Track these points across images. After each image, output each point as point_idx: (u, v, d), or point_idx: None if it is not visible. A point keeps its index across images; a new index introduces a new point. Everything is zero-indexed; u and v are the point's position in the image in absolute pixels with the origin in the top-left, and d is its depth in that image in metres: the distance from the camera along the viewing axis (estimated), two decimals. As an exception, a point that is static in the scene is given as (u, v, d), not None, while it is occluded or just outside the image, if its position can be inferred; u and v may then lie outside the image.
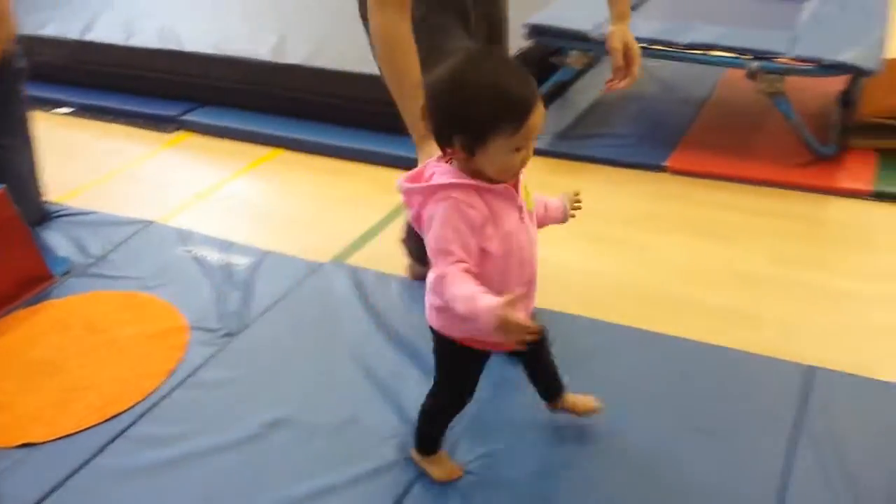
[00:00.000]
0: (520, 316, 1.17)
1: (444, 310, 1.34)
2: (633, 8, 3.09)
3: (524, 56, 3.25)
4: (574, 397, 1.73)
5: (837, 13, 2.96)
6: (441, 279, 1.24)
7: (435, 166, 1.30)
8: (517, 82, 1.20)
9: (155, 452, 1.79)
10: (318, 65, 3.27)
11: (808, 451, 1.66)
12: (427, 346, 1.99)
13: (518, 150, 1.22)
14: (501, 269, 1.30)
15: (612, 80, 1.78)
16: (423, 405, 1.61)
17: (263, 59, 3.36)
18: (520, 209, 1.31)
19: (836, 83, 3.03)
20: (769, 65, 2.65)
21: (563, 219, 1.51)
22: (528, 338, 1.19)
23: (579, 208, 1.53)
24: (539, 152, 3.07)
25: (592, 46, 2.91)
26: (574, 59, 2.98)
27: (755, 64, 2.64)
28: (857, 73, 2.65)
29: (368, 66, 3.18)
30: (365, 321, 2.17)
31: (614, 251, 2.48)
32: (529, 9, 3.14)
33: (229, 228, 2.70)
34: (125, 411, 1.91)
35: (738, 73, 2.91)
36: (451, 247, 1.24)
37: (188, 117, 3.51)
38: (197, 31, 3.67)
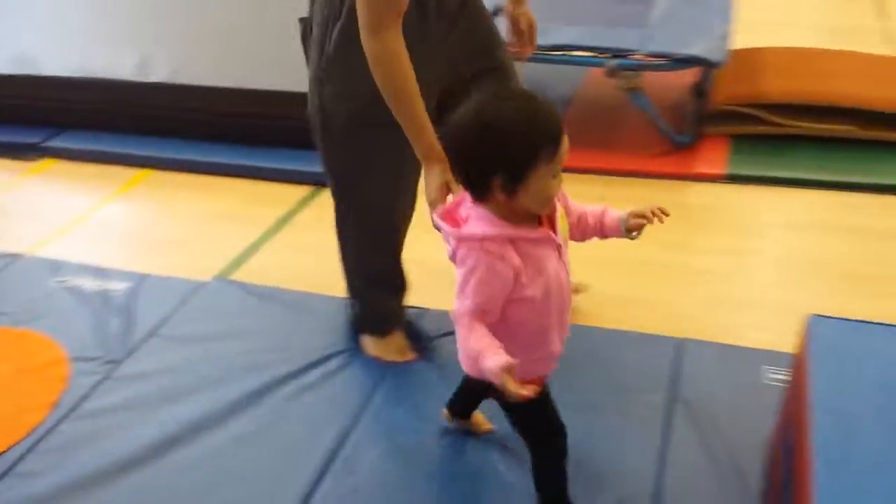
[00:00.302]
0: (513, 385, 1.16)
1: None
2: (495, 14, 3.19)
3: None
4: (477, 416, 1.75)
5: (687, 10, 3.16)
6: (459, 318, 1.25)
7: (471, 206, 1.27)
8: (544, 109, 1.18)
9: (46, 485, 1.72)
10: (182, 81, 3.22)
11: (683, 415, 1.78)
12: (317, 358, 2.03)
13: (554, 175, 1.20)
14: (541, 310, 1.29)
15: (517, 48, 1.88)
16: (533, 468, 1.50)
17: (126, 78, 3.27)
18: (558, 248, 1.29)
19: (690, 76, 3.23)
20: (626, 62, 2.80)
21: (620, 235, 1.40)
22: (520, 397, 1.18)
23: (652, 222, 1.38)
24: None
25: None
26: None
27: (613, 62, 2.79)
28: (706, 66, 2.84)
29: (231, 80, 3.16)
30: (255, 336, 2.15)
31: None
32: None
33: (104, 255, 2.61)
34: (11, 447, 1.83)
35: (600, 72, 3.06)
36: (476, 299, 1.23)
37: (51, 143, 3.36)
38: (54, 54, 3.53)
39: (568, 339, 2.08)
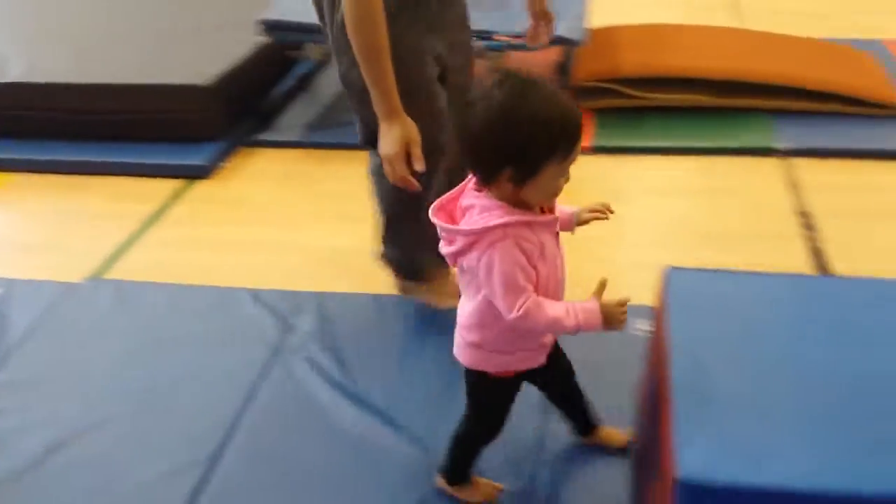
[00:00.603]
0: (612, 297, 1.25)
1: (479, 346, 1.36)
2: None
3: (263, 53, 3.28)
4: (608, 430, 1.70)
5: (546, -9, 3.27)
6: (525, 316, 1.23)
7: (474, 197, 1.26)
8: (567, 109, 1.18)
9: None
10: (38, 80, 3.09)
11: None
12: (200, 351, 2.03)
13: (563, 174, 1.21)
14: (542, 290, 1.29)
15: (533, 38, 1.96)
16: (457, 436, 1.55)
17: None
18: (556, 233, 1.32)
19: (554, 55, 3.36)
20: (491, 43, 2.89)
21: (571, 228, 1.43)
22: (623, 314, 1.26)
23: (604, 217, 1.45)
24: (290, 143, 3.15)
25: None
26: (311, 51, 3.05)
27: (479, 43, 2.87)
28: (567, 45, 2.96)
29: (88, 77, 3.07)
30: (134, 332, 2.11)
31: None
32: (255, 6, 3.20)
33: (-34, 263, 2.49)
34: None
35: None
36: (521, 283, 1.23)
37: None
38: None
39: (436, 313, 2.15)
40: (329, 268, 2.40)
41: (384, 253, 2.14)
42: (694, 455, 1.15)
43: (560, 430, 1.71)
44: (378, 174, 1.94)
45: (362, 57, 1.59)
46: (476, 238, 1.23)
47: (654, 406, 1.43)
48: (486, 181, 1.23)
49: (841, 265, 2.29)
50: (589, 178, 2.84)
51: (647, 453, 1.50)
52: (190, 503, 1.62)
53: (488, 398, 1.47)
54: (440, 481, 1.61)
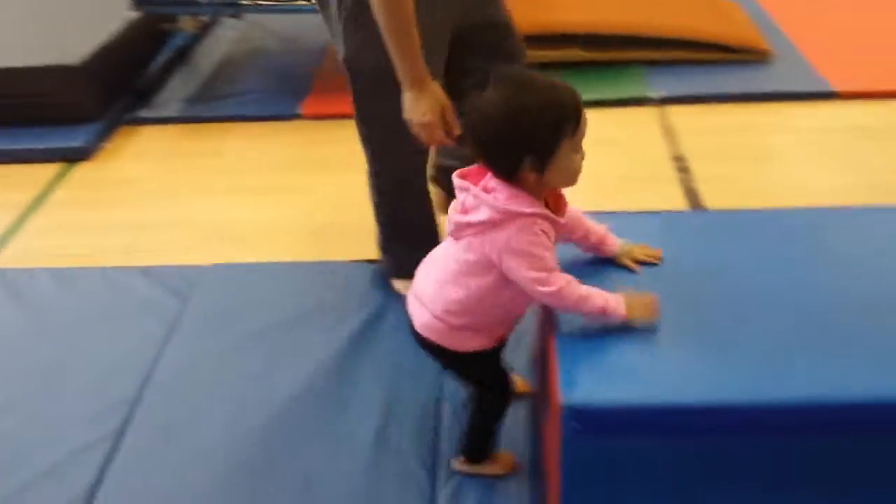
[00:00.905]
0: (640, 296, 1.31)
1: (469, 327, 1.36)
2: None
3: (135, 27, 3.18)
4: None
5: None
6: (559, 292, 1.27)
7: (497, 183, 1.28)
8: (565, 90, 1.25)
9: None
10: None
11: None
12: (95, 332, 2.00)
13: (577, 150, 1.27)
14: None
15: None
16: (476, 416, 1.52)
17: None
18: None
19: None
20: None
21: (602, 254, 1.46)
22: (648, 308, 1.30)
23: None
24: (172, 119, 3.08)
25: (203, 9, 2.94)
26: (186, 23, 2.98)
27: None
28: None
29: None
30: (25, 319, 2.06)
31: (271, 199, 2.59)
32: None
33: None
34: None
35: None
36: (551, 263, 1.27)
37: None
38: None
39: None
40: (219, 241, 2.39)
41: (385, 260, 2.11)
42: (575, 382, 1.23)
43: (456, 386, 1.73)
44: (380, 188, 1.94)
45: (391, 29, 1.57)
46: (507, 217, 1.25)
47: (543, 349, 1.51)
48: (510, 175, 1.26)
49: (713, 202, 2.44)
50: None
51: (540, 393, 1.58)
52: (99, 479, 1.62)
53: (487, 369, 1.48)
54: (460, 464, 1.59)
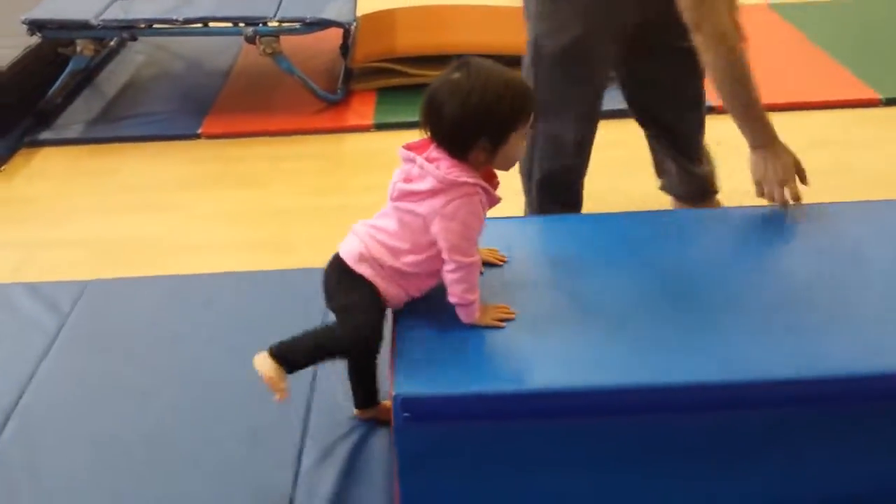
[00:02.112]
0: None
1: (405, 276, 1.43)
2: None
3: (34, 53, 3.23)
4: (384, 403, 1.69)
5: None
6: (471, 266, 1.38)
7: (439, 154, 1.37)
8: (522, 83, 1.40)
9: None
10: None
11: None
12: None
13: (523, 139, 1.41)
14: None
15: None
16: (316, 336, 1.49)
17: None
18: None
19: (336, 38, 3.50)
20: (262, 28, 2.99)
21: None
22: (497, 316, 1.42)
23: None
24: (72, 140, 3.13)
25: (98, 33, 3.01)
26: (83, 46, 3.04)
27: (250, 29, 2.97)
28: (336, 27, 3.10)
29: None
30: None
31: (162, 216, 2.65)
32: (24, 6, 3.14)
33: None
34: None
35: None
36: (476, 237, 1.40)
37: None
38: None
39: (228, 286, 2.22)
40: (110, 257, 2.44)
41: None
42: (405, 373, 1.34)
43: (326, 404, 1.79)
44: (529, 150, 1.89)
45: (743, 100, 1.67)
46: (449, 186, 1.36)
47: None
48: (461, 153, 1.37)
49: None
50: (371, 152, 3.03)
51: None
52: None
53: (371, 312, 1.45)
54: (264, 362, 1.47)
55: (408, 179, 1.41)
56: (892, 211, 1.83)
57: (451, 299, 1.42)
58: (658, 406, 1.33)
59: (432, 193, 1.37)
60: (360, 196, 2.71)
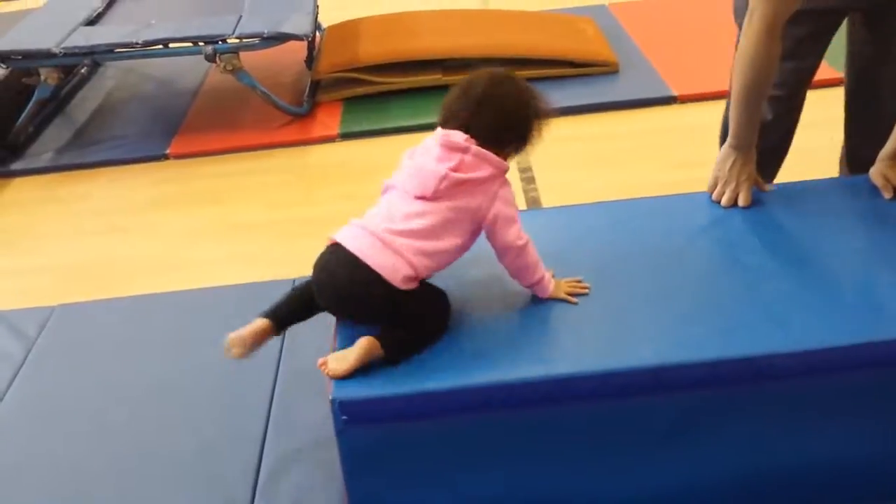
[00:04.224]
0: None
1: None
2: (93, 23, 3.26)
3: (2, 84, 3.26)
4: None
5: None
6: (527, 246, 1.44)
7: (467, 140, 1.41)
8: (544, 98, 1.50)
9: None
10: None
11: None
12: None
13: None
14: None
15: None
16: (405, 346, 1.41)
17: None
18: None
19: (300, 51, 3.52)
20: (221, 46, 3.01)
21: None
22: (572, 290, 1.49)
23: None
24: (43, 169, 3.16)
25: (61, 60, 3.04)
26: (46, 75, 3.07)
27: (209, 48, 2.99)
28: (295, 40, 3.11)
29: None
30: None
31: (130, 238, 2.68)
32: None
33: None
34: None
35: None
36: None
37: None
38: None
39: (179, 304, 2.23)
40: (81, 282, 2.46)
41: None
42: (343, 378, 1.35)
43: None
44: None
45: (747, 90, 1.66)
46: (502, 173, 1.44)
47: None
48: (497, 145, 1.44)
49: (550, 204, 2.59)
50: (337, 162, 3.05)
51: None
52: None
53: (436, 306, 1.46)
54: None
55: (458, 169, 1.40)
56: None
57: (524, 283, 1.48)
58: (595, 393, 1.35)
59: (491, 179, 1.42)
60: (326, 206, 2.73)
